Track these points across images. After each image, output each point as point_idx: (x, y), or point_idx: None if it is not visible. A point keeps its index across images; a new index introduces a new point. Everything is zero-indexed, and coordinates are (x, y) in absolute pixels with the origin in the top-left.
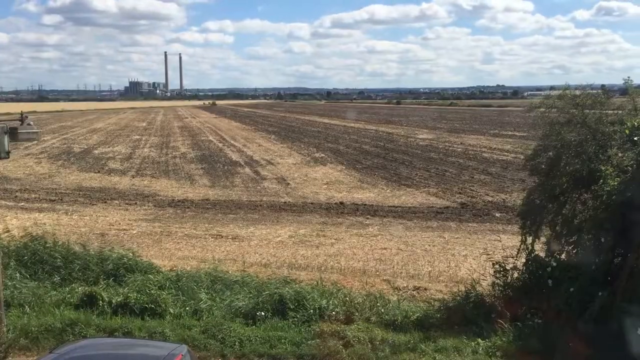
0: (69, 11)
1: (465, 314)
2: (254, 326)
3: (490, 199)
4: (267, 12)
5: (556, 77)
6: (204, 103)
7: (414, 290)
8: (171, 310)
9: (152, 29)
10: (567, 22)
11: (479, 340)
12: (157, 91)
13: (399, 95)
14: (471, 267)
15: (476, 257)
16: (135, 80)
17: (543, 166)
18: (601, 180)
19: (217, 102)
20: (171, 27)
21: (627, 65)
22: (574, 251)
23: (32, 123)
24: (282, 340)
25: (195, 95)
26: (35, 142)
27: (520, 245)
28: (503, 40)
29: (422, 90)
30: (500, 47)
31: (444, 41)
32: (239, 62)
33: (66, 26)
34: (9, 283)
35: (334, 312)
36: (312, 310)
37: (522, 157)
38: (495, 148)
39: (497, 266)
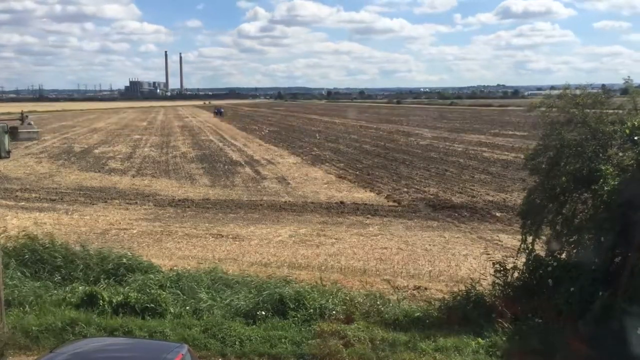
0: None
1: (466, 314)
2: (254, 325)
3: (490, 198)
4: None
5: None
6: (204, 103)
7: (414, 290)
8: (172, 310)
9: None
10: None
11: (479, 339)
12: (158, 91)
13: (399, 95)
14: (471, 266)
15: (476, 256)
16: (136, 80)
17: (543, 166)
18: (601, 180)
19: (219, 102)
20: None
21: None
22: (575, 251)
23: (32, 122)
24: (283, 340)
25: (195, 94)
26: (36, 141)
27: (520, 245)
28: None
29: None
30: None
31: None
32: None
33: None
34: (10, 282)
35: (334, 312)
36: (312, 310)
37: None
38: (495, 147)
39: (497, 266)
